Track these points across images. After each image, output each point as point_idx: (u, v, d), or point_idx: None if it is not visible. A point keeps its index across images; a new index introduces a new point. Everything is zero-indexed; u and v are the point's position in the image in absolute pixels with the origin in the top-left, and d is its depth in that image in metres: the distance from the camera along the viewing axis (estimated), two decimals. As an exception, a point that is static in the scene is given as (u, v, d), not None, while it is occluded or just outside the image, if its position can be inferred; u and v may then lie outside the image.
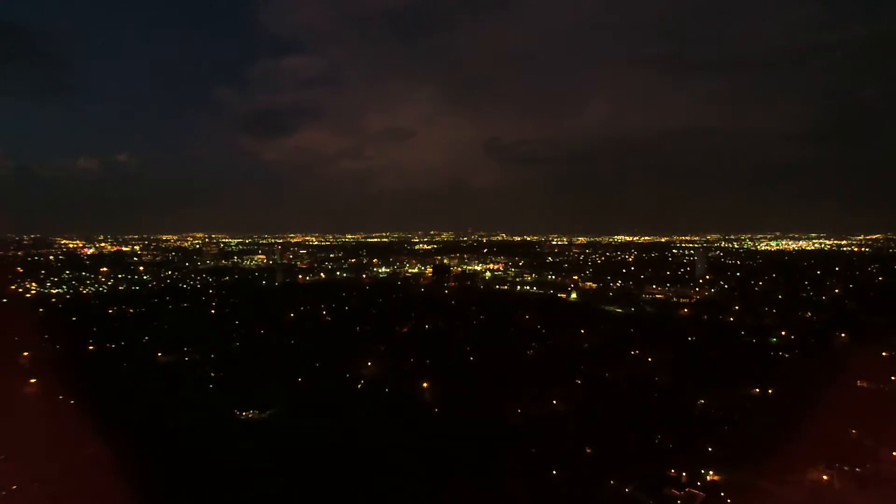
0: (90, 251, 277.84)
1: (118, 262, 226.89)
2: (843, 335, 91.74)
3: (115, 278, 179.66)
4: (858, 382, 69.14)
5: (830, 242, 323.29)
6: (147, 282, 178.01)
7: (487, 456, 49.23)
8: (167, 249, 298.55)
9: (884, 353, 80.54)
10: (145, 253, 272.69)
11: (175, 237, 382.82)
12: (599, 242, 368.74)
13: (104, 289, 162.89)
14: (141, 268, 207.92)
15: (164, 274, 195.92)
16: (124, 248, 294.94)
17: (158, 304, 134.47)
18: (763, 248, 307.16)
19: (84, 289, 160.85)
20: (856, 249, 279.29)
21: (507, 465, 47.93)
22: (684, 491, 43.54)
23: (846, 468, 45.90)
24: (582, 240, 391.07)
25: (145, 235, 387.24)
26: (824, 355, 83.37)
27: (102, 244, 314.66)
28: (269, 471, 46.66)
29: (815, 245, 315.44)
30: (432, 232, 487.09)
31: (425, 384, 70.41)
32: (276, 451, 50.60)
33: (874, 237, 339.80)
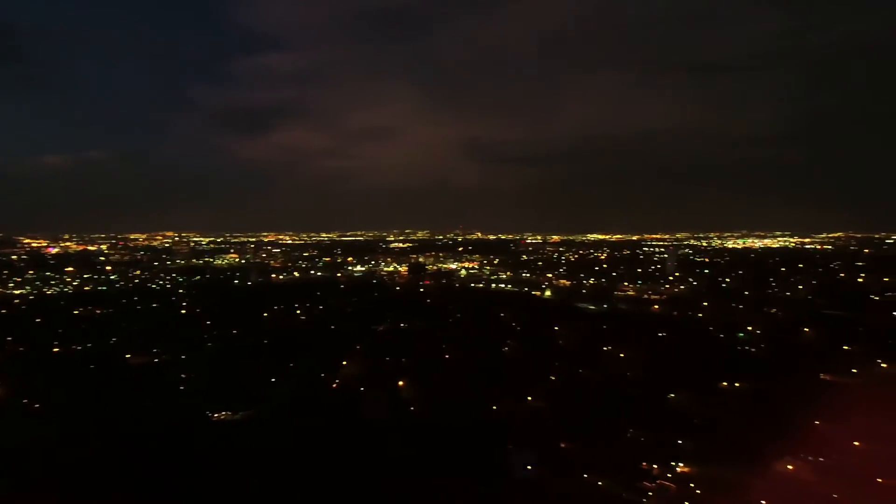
0: (55, 250, 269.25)
1: (84, 261, 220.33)
2: (807, 330, 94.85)
3: (82, 278, 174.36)
4: (822, 375, 71.66)
5: (795, 241, 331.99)
6: (115, 282, 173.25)
7: (463, 453, 49.51)
8: (136, 249, 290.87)
9: (845, 347, 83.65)
10: (113, 252, 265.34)
11: (144, 236, 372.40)
12: (573, 241, 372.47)
13: (70, 289, 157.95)
14: (108, 267, 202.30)
15: (133, 274, 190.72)
16: (91, 248, 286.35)
17: (127, 305, 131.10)
18: (731, 246, 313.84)
19: (48, 289, 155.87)
20: (819, 247, 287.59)
21: (483, 461, 48.31)
22: (656, 483, 44.55)
23: (811, 458, 47.49)
24: (556, 238, 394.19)
25: (113, 234, 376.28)
26: (790, 350, 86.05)
27: (67, 243, 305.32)
28: (243, 473, 46.13)
29: (781, 243, 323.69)
30: (408, 230, 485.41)
31: (401, 383, 70.37)
32: (250, 452, 50.06)
33: (836, 235, 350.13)
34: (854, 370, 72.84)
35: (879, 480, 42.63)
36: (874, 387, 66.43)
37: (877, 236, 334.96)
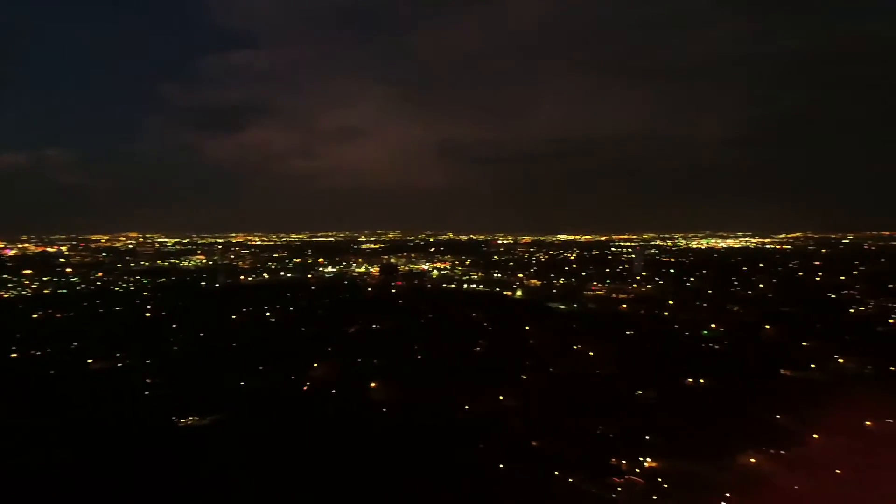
0: (12, 252, 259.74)
1: (44, 263, 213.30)
2: (767, 327, 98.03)
3: (41, 281, 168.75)
4: (782, 371, 74.28)
5: (756, 241, 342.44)
6: (76, 284, 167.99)
7: (436, 453, 49.64)
8: (98, 250, 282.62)
9: (804, 343, 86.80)
10: (73, 254, 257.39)
11: (106, 237, 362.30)
12: (543, 241, 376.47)
13: (28, 292, 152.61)
14: (69, 270, 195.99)
15: (95, 276, 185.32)
16: (50, 249, 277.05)
17: (88, 308, 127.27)
18: (695, 246, 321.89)
19: (6, 293, 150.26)
20: (778, 247, 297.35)
21: (456, 461, 48.53)
22: (624, 478, 45.47)
23: (773, 451, 49.21)
24: (527, 238, 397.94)
25: (73, 235, 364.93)
26: (751, 346, 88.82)
27: (25, 245, 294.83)
28: (210, 479, 45.33)
29: (742, 243, 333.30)
30: (379, 231, 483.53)
31: (373, 384, 70.11)
32: (218, 458, 49.24)
33: (794, 236, 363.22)
34: (812, 366, 75.70)
35: (838, 472, 44.32)
36: (832, 382, 69.23)
37: (833, 237, 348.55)
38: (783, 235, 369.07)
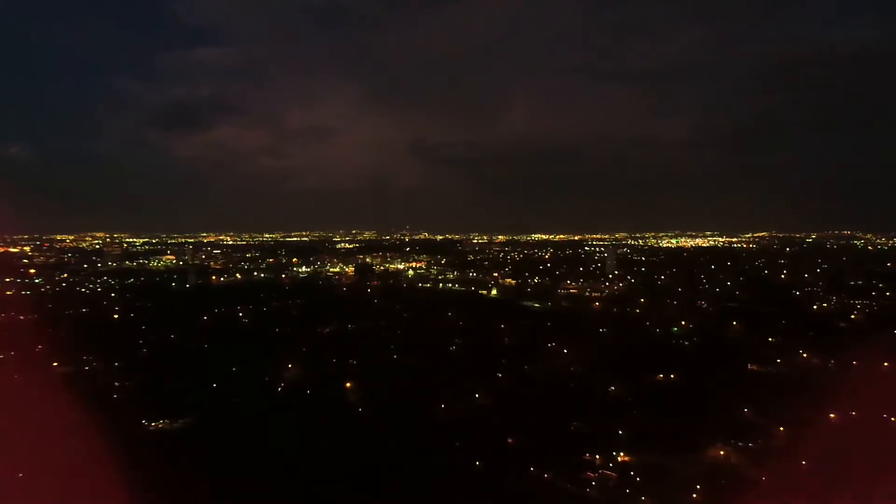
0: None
1: (5, 264, 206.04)
2: (735, 324, 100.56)
3: (2, 283, 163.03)
4: (749, 366, 76.39)
5: (723, 240, 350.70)
6: (40, 286, 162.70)
7: (413, 452, 49.69)
8: (63, 251, 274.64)
9: (770, 339, 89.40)
10: (37, 254, 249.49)
11: (72, 237, 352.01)
12: (518, 241, 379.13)
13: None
14: (32, 271, 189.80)
15: (60, 277, 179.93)
16: (12, 249, 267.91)
17: (53, 310, 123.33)
18: (665, 245, 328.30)
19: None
20: (745, 246, 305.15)
21: (433, 460, 48.64)
22: (598, 473, 46.24)
23: (741, 444, 50.71)
24: (501, 238, 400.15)
25: (36, 235, 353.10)
26: (720, 343, 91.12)
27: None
28: (181, 485, 44.47)
29: (710, 242, 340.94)
30: (354, 231, 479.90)
31: (349, 385, 69.77)
32: (189, 462, 48.28)
33: (761, 235, 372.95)
34: (778, 360, 78.02)
35: (803, 463, 45.72)
36: (796, 376, 71.45)
37: (797, 236, 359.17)
38: (749, 235, 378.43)
